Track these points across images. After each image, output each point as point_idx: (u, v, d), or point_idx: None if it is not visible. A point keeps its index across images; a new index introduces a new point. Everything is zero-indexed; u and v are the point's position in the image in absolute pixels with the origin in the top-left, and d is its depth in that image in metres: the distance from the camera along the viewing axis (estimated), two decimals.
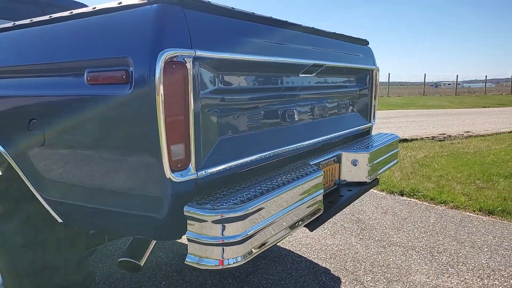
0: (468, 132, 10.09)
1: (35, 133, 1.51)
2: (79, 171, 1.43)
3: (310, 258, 3.15)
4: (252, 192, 1.33)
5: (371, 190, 5.03)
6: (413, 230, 3.72)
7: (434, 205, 4.46)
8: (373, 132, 2.88)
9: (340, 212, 4.19)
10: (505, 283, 2.75)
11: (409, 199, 4.72)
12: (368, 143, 2.36)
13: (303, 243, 3.43)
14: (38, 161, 1.56)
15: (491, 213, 4.15)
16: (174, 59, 1.17)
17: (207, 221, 1.18)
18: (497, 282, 2.77)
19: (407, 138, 9.01)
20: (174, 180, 1.22)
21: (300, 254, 3.23)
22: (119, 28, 1.25)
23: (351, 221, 3.96)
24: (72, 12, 1.42)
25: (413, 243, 3.42)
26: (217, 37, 1.34)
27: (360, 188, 2.16)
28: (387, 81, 35.85)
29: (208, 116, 1.36)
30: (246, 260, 1.25)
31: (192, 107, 1.23)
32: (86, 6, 4.03)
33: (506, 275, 2.86)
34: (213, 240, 1.18)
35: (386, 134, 2.70)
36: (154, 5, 1.19)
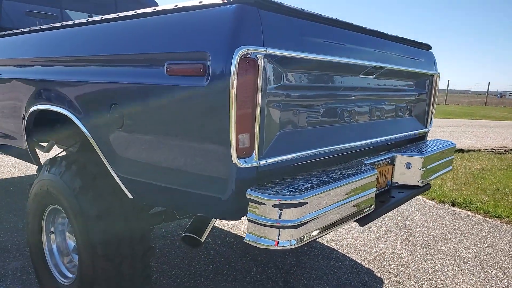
0: None
1: (115, 116, 1.70)
2: (152, 152, 1.59)
3: (354, 258, 3.19)
4: (309, 183, 1.42)
5: (420, 198, 4.93)
6: (462, 241, 3.62)
7: (487, 218, 4.29)
8: (429, 138, 2.86)
9: (388, 215, 4.17)
10: None
11: (460, 210, 4.57)
12: (423, 148, 2.36)
13: (347, 243, 3.46)
14: (115, 141, 1.75)
15: None
16: (248, 56, 1.28)
17: (266, 204, 1.29)
18: None
19: (463, 148, 8.63)
20: (239, 165, 1.34)
21: (344, 253, 3.27)
22: (199, 25, 1.39)
23: (398, 227, 3.92)
24: (155, 9, 1.58)
25: (462, 254, 3.34)
26: (286, 36, 1.44)
27: (411, 191, 2.18)
28: (446, 88, 34.24)
29: (272, 110, 1.47)
30: (299, 245, 1.34)
31: (259, 101, 1.35)
32: (155, 2, 4.31)
33: None
34: (270, 222, 1.29)
35: (442, 140, 2.67)
36: (233, 5, 1.31)
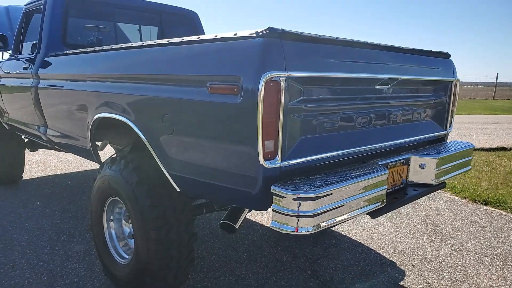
0: None
1: (166, 124, 2.07)
2: (196, 154, 1.94)
3: (379, 252, 3.41)
4: (324, 181, 1.71)
5: (452, 196, 5.02)
6: (490, 239, 3.73)
7: None
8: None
9: (416, 213, 4.33)
10: None
11: (492, 209, 4.62)
12: (439, 149, 2.56)
13: (374, 238, 3.68)
14: (166, 144, 2.12)
15: None
16: (272, 79, 1.60)
17: (287, 198, 1.60)
18: None
19: (506, 146, 8.44)
20: (265, 166, 1.66)
21: (369, 247, 3.50)
22: (234, 53, 1.71)
23: (425, 224, 4.08)
24: (199, 37, 1.93)
25: (487, 251, 3.47)
26: (305, 60, 1.74)
27: (425, 189, 2.40)
28: (495, 81, 32.64)
29: (293, 120, 1.77)
30: (315, 231, 1.64)
31: (281, 113, 1.65)
32: (195, 13, 4.70)
33: None
34: (291, 212, 1.60)
35: (461, 142, 2.84)
36: (261, 38, 1.62)
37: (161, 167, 2.19)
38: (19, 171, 5.10)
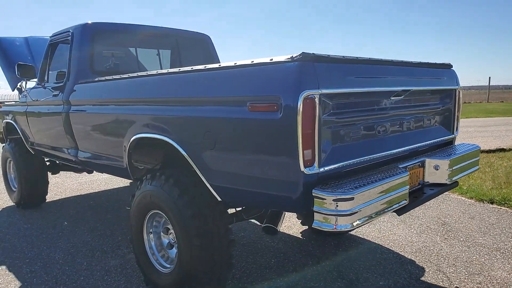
0: None
1: (208, 141, 2.31)
2: (239, 165, 2.18)
3: (397, 251, 3.62)
4: (357, 183, 1.95)
5: (459, 197, 5.25)
6: (500, 235, 3.95)
7: None
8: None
9: (428, 214, 4.56)
10: None
11: (499, 207, 4.85)
12: (449, 152, 2.81)
13: (390, 239, 3.90)
14: (207, 159, 2.35)
15: None
16: (309, 96, 1.85)
17: (327, 199, 1.84)
18: None
19: (504, 147, 8.71)
20: (305, 172, 1.90)
21: (388, 247, 3.71)
22: (272, 76, 1.97)
23: (437, 224, 4.30)
24: (236, 63, 2.19)
25: (499, 245, 3.68)
26: (333, 78, 2.00)
27: (441, 188, 2.64)
28: (487, 85, 33.19)
29: (326, 131, 2.02)
30: (352, 229, 1.87)
31: (317, 125, 1.90)
32: (208, 36, 4.98)
33: None
34: (330, 212, 1.83)
35: (468, 144, 3.09)
36: (296, 62, 1.89)
37: (203, 179, 2.42)
38: (44, 193, 5.31)
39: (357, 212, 1.88)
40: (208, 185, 2.40)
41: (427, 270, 3.24)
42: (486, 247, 3.65)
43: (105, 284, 3.19)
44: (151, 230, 2.95)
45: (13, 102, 5.66)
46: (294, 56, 1.91)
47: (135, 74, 2.99)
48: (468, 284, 3.01)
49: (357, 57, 2.17)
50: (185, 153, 2.46)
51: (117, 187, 6.47)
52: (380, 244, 3.80)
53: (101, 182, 6.80)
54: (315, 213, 1.90)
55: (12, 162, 5.34)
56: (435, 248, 3.67)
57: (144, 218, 2.90)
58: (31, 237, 4.27)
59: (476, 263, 3.35)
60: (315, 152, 1.92)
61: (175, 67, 4.57)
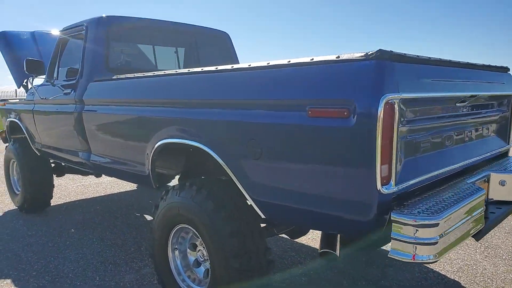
0: None
1: (252, 149, 2.01)
2: (292, 179, 1.87)
3: (437, 270, 3.33)
4: (438, 205, 1.66)
5: None
6: None
7: None
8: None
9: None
10: None
11: None
12: (510, 165, 2.53)
13: None
14: (250, 170, 2.05)
15: None
16: (389, 101, 1.56)
17: (409, 225, 1.54)
18: None
19: None
20: (382, 192, 1.60)
21: (425, 265, 3.42)
22: (341, 76, 1.67)
23: (473, 239, 4.00)
24: (289, 61, 1.89)
25: None
26: (412, 81, 1.71)
27: (508, 207, 2.35)
28: None
29: (402, 141, 1.73)
30: (434, 261, 1.57)
31: (395, 136, 1.61)
32: (227, 33, 4.69)
33: None
34: (414, 240, 1.54)
35: None
36: (372, 61, 1.59)
37: (244, 192, 2.12)
38: (48, 197, 4.99)
39: (440, 240, 1.58)
40: (250, 199, 2.11)
41: None
42: None
43: None
44: (176, 247, 2.65)
45: (18, 100, 5.34)
46: (369, 53, 1.62)
47: (164, 72, 2.68)
48: None
49: (429, 57, 1.88)
50: (222, 162, 2.15)
51: (124, 190, 6.16)
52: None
53: (106, 185, 6.48)
54: (393, 241, 1.61)
55: (15, 163, 5.02)
56: (478, 267, 3.38)
57: (170, 232, 2.60)
58: (37, 245, 3.95)
59: None
60: (392, 167, 1.63)
61: (193, 65, 4.27)
